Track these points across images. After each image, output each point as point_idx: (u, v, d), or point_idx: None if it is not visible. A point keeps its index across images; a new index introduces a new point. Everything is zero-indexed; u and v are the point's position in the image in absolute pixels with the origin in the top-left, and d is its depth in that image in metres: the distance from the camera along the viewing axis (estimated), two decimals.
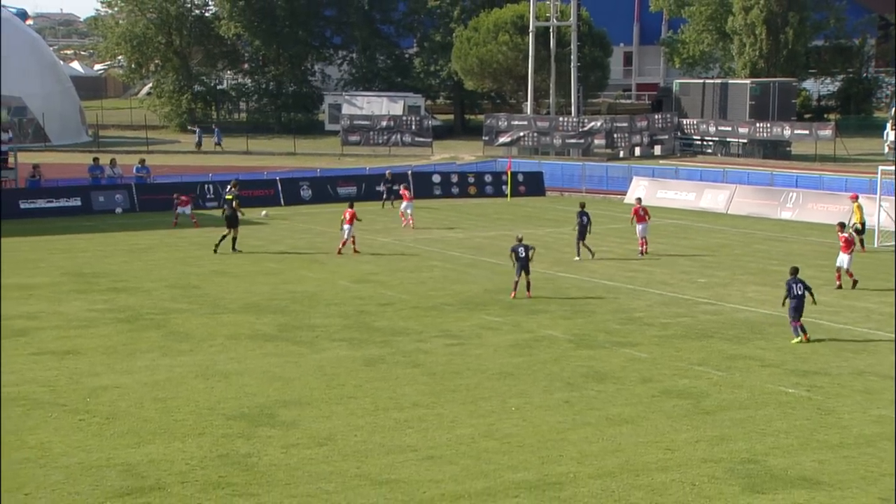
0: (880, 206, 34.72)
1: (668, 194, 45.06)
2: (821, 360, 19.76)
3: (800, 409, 16.81)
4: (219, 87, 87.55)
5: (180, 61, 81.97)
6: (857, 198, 33.20)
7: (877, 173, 35.87)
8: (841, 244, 26.76)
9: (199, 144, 69.64)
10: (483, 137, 65.54)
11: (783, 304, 21.56)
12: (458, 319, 23.11)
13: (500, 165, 51.71)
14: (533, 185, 49.31)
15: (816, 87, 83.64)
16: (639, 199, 33.94)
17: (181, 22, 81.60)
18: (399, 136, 65.37)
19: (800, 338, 21.11)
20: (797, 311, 21.11)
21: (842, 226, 27.65)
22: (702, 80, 69.55)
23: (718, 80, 68.69)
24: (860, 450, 14.95)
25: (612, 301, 25.11)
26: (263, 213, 37.99)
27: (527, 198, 47.69)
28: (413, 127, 66.13)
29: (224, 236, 31.76)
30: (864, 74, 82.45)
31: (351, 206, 31.84)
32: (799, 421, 16.20)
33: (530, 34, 64.96)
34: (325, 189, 46.04)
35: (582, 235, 30.56)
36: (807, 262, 30.11)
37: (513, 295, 25.04)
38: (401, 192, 39.70)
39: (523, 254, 24.94)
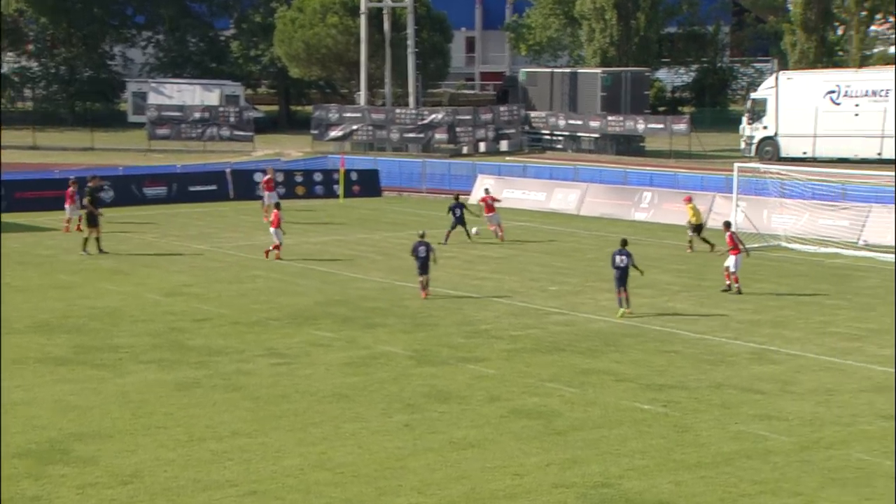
0: (737, 205, 36.37)
1: (516, 194, 45.87)
2: (678, 372, 20.52)
3: (656, 426, 17.41)
4: None
5: None
6: (690, 199, 35.14)
7: (733, 171, 37.59)
8: (728, 246, 27.79)
9: None
10: (312, 131, 65.22)
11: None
12: (285, 336, 22.95)
13: (332, 162, 51.59)
14: (368, 184, 49.42)
15: (670, 77, 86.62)
16: (486, 190, 38.16)
17: None
18: (216, 130, 64.28)
19: (623, 309, 24.44)
20: (620, 280, 24.63)
21: (727, 225, 28.79)
22: (550, 69, 71.10)
23: (567, 69, 70.40)
24: (718, 469, 15.59)
25: (456, 312, 25.41)
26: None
27: (361, 199, 47.76)
28: (231, 119, 65.18)
29: (86, 238, 32.26)
30: (719, 64, 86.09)
31: (277, 208, 32.79)
32: (655, 440, 16.77)
33: (362, 16, 65.00)
34: (129, 190, 45.05)
35: (460, 224, 34.92)
36: (663, 266, 31.26)
37: (423, 295, 26.44)
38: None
39: (423, 253, 26.36)
